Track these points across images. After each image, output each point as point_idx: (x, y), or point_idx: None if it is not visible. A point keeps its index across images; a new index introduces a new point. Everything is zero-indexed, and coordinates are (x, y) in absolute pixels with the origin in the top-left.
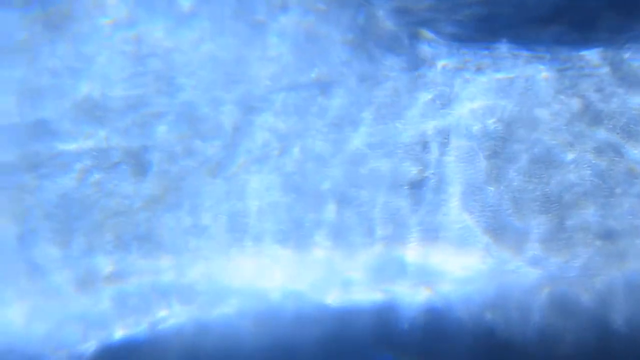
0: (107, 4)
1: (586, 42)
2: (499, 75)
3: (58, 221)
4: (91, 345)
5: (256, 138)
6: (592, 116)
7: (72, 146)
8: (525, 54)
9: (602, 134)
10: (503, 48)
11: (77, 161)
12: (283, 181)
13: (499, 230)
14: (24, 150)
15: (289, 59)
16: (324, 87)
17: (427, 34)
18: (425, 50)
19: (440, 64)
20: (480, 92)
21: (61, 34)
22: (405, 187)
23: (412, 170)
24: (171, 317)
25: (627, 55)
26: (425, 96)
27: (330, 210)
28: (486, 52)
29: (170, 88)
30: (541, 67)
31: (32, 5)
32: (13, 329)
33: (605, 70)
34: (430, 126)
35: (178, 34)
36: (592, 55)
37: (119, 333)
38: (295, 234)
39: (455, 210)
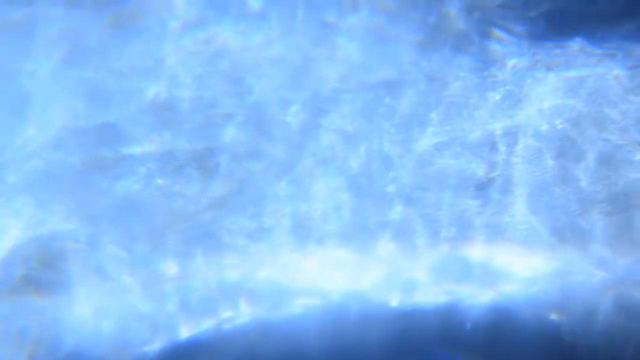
0: (176, 5)
1: None
2: (569, 74)
3: (124, 223)
4: (156, 345)
5: (322, 139)
6: None
7: (139, 148)
8: (597, 51)
9: None
10: (575, 46)
11: (143, 163)
12: (348, 183)
13: (565, 231)
14: (92, 153)
15: (358, 60)
16: (392, 87)
17: (498, 32)
18: (495, 49)
19: (511, 63)
20: (550, 91)
21: (131, 36)
22: (472, 188)
23: (479, 171)
24: (236, 317)
25: None
26: (494, 96)
27: (396, 212)
28: (558, 51)
29: (239, 89)
30: (612, 64)
31: (102, 7)
32: (82, 329)
33: None
34: (498, 126)
35: (247, 35)
36: None
37: (184, 333)
38: (360, 235)
39: (521, 211)
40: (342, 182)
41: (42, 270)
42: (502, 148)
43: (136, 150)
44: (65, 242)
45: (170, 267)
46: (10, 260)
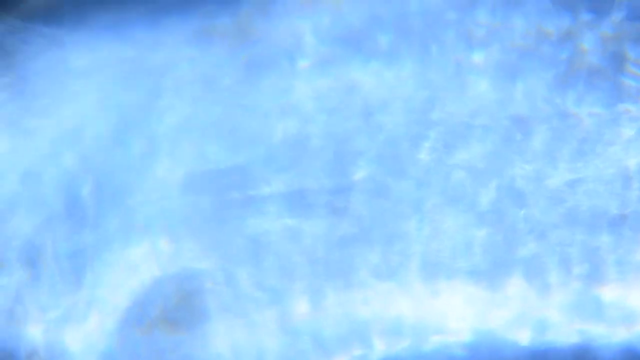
0: (307, 44)
1: None
2: None
3: (256, 262)
4: None
5: (452, 176)
6: None
7: (268, 188)
8: None
9: None
10: None
11: (273, 203)
12: (478, 220)
13: None
14: (223, 193)
15: (488, 96)
16: (524, 124)
17: (632, 68)
18: (630, 84)
19: None
20: None
21: (262, 75)
22: (605, 225)
23: (612, 208)
24: (369, 354)
25: None
26: (628, 132)
27: (527, 249)
28: None
29: (369, 126)
30: None
31: (235, 47)
32: None
33: None
34: (633, 163)
35: (378, 72)
36: None
37: None
38: (490, 273)
39: None
40: (472, 219)
41: (177, 309)
42: (636, 184)
43: (266, 190)
44: (199, 280)
45: (302, 305)
46: (146, 299)
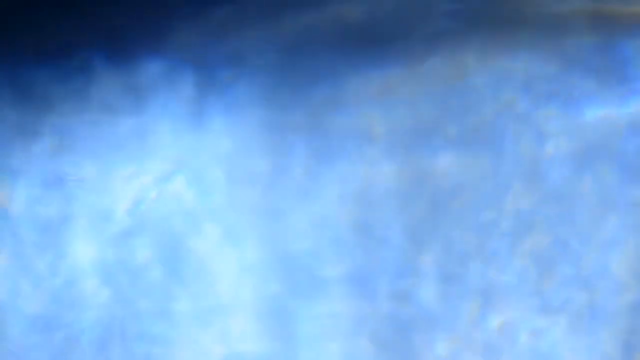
0: (376, 133)
1: None
2: None
3: (319, 345)
4: None
5: (519, 264)
6: None
7: (333, 271)
8: None
9: None
10: None
11: (338, 286)
12: (543, 307)
13: None
14: (290, 276)
15: (559, 187)
16: (593, 214)
17: None
18: None
19: None
20: None
21: (330, 164)
22: None
23: None
24: None
25: None
26: None
27: (590, 337)
28: None
29: (436, 214)
30: None
31: (304, 136)
32: None
33: None
34: None
35: (447, 161)
36: None
37: None
38: None
39: None
40: (537, 306)
41: None
42: None
43: (331, 273)
44: None
45: None
46: None
